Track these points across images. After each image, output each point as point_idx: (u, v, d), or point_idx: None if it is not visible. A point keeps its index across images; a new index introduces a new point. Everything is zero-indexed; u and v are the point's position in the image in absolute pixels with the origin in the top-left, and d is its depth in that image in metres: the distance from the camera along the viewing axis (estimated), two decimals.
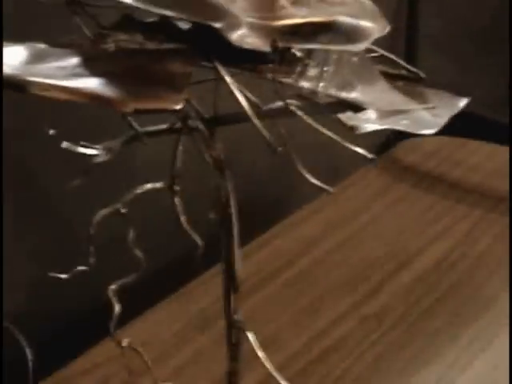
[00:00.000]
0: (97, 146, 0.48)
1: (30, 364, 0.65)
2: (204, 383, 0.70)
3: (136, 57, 0.40)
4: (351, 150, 0.43)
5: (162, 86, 0.37)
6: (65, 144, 0.48)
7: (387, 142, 1.18)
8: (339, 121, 0.44)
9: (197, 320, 0.79)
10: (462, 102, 0.49)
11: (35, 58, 0.39)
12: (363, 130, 0.44)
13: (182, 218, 0.46)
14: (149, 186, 0.47)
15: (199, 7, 0.39)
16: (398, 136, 1.18)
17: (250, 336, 0.49)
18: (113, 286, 0.47)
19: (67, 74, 0.37)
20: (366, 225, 0.97)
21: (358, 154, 0.43)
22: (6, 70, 0.36)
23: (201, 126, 0.45)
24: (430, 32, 1.36)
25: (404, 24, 1.34)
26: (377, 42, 0.44)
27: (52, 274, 0.46)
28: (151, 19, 0.42)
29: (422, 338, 0.77)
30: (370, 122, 0.45)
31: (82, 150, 0.48)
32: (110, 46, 0.41)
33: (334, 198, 1.02)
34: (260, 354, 0.49)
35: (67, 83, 0.36)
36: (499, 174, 1.07)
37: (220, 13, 0.38)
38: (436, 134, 1.02)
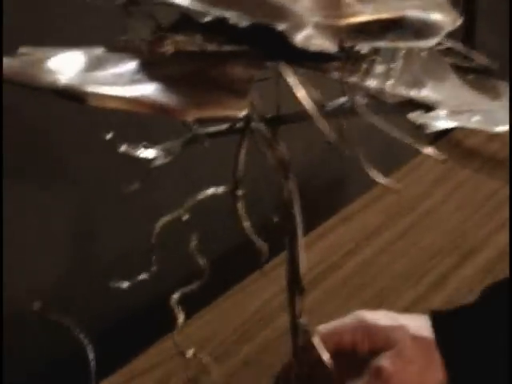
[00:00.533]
0: (155, 149, 0.47)
1: (92, 363, 0.64)
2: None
3: (196, 60, 0.38)
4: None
5: (225, 92, 0.35)
6: (123, 148, 0.47)
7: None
8: (407, 119, 0.42)
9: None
10: None
11: (92, 65, 0.37)
12: (433, 129, 0.42)
13: (246, 224, 0.44)
14: (211, 190, 0.45)
15: (260, 7, 0.37)
16: None
17: (316, 341, 0.48)
18: (175, 295, 0.46)
19: (125, 82, 0.36)
20: (428, 213, 0.94)
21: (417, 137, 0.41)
22: (62, 79, 0.35)
23: (263, 127, 0.44)
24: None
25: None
26: None
27: (113, 285, 0.45)
28: (209, 18, 0.40)
29: None
30: (440, 119, 0.43)
31: (140, 152, 0.47)
32: (168, 48, 0.39)
33: (389, 188, 0.99)
34: (324, 356, 0.48)
35: (126, 93, 0.34)
36: None
37: (283, 13, 0.36)
38: None
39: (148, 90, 0.35)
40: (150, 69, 0.37)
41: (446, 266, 0.84)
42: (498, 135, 1.09)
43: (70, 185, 0.77)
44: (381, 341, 0.59)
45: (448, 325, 0.61)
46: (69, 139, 0.74)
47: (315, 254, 0.85)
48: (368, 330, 0.60)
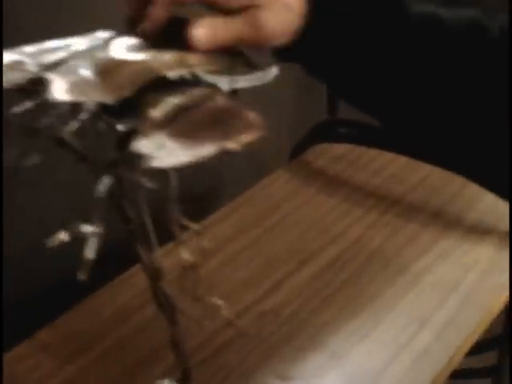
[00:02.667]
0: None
1: None
2: None
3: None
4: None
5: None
6: None
7: (299, 146, 1.31)
8: None
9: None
10: None
11: None
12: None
13: None
14: None
15: None
16: (310, 141, 1.31)
17: None
18: None
19: None
20: (273, 226, 1.09)
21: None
22: None
23: None
24: None
25: None
26: None
27: None
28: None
29: (310, 330, 0.90)
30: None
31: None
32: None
33: (247, 201, 1.14)
34: None
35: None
36: (397, 178, 1.21)
37: None
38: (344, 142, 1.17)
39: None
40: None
41: (282, 273, 0.99)
42: (341, 158, 1.26)
43: None
44: None
45: None
46: None
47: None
48: None
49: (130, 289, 0.95)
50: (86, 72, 0.55)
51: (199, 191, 1.27)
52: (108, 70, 0.55)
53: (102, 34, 0.61)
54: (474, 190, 1.14)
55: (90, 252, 0.51)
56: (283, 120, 1.40)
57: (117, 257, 0.93)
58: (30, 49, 0.59)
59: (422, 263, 1.01)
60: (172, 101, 0.53)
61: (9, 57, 0.58)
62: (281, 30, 0.59)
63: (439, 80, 0.60)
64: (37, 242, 0.54)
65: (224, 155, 0.47)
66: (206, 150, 0.46)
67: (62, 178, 0.63)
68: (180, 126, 0.50)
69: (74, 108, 0.53)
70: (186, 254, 0.64)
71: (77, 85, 0.53)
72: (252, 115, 0.49)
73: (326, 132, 1.33)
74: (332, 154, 1.28)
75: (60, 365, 0.85)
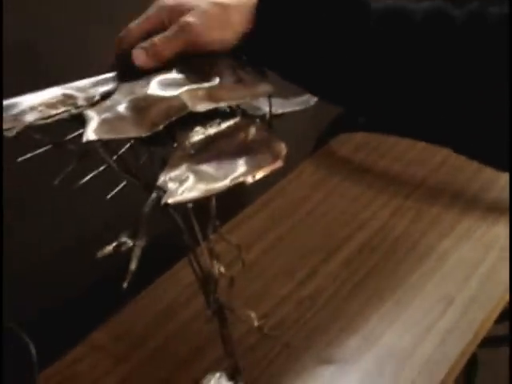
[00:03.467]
0: None
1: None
2: None
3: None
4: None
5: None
6: None
7: (323, 137, 1.37)
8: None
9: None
10: None
11: None
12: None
13: None
14: None
15: None
16: (332, 131, 1.37)
17: None
18: None
19: None
20: (304, 216, 1.16)
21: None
22: None
23: None
24: None
25: None
26: None
27: None
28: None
29: (347, 312, 0.97)
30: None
31: None
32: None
33: (277, 194, 1.22)
34: None
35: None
36: (417, 162, 1.27)
37: None
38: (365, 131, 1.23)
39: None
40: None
41: (315, 261, 1.06)
42: (363, 146, 1.32)
43: None
44: (186, 11, 0.64)
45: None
46: None
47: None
48: (172, 8, 0.65)
49: (175, 286, 1.03)
50: (122, 109, 0.61)
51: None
52: (144, 106, 0.61)
53: None
54: (489, 170, 1.20)
55: (133, 263, 0.56)
56: (306, 113, 1.46)
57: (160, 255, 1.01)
58: (82, 83, 0.66)
59: (446, 244, 1.08)
60: (203, 131, 0.59)
61: (60, 91, 0.65)
62: (210, 23, 0.63)
63: (401, 69, 0.62)
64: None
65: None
66: (221, 184, 0.52)
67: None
68: (206, 156, 0.56)
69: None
70: (221, 267, 0.71)
71: (111, 122, 0.59)
72: (280, 146, 0.54)
73: (347, 122, 1.39)
74: (354, 143, 1.34)
75: (115, 363, 0.93)
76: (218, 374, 0.85)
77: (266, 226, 1.15)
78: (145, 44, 0.64)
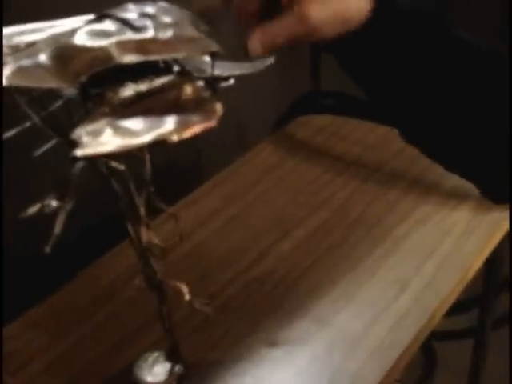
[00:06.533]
0: None
1: None
2: None
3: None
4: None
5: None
6: None
7: (282, 118, 1.34)
8: None
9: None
10: None
11: None
12: None
13: None
14: None
15: None
16: (293, 113, 1.33)
17: None
18: None
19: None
20: (260, 196, 1.12)
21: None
22: None
23: None
24: None
25: None
26: None
27: None
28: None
29: (298, 294, 0.93)
30: None
31: None
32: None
33: (233, 173, 1.18)
34: None
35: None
36: (377, 147, 1.24)
37: None
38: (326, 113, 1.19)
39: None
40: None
41: (266, 243, 1.02)
42: (323, 129, 1.29)
43: None
44: None
45: None
46: None
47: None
48: None
49: (117, 265, 0.98)
50: (43, 57, 0.56)
51: (184, 166, 1.30)
52: (68, 56, 0.56)
53: (87, 17, 0.62)
54: None
55: (58, 226, 0.53)
56: (266, 93, 1.43)
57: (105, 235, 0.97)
58: (9, 30, 0.61)
59: (402, 229, 1.05)
60: (133, 87, 0.55)
61: None
62: (329, 19, 0.60)
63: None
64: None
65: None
66: (140, 139, 0.48)
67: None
68: (132, 112, 0.52)
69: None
70: (155, 239, 0.67)
71: (27, 70, 0.54)
72: (214, 106, 0.50)
73: (308, 104, 1.36)
74: (314, 126, 1.31)
75: (52, 340, 0.88)
76: (156, 354, 0.81)
77: (220, 205, 1.11)
78: (259, 33, 0.59)
